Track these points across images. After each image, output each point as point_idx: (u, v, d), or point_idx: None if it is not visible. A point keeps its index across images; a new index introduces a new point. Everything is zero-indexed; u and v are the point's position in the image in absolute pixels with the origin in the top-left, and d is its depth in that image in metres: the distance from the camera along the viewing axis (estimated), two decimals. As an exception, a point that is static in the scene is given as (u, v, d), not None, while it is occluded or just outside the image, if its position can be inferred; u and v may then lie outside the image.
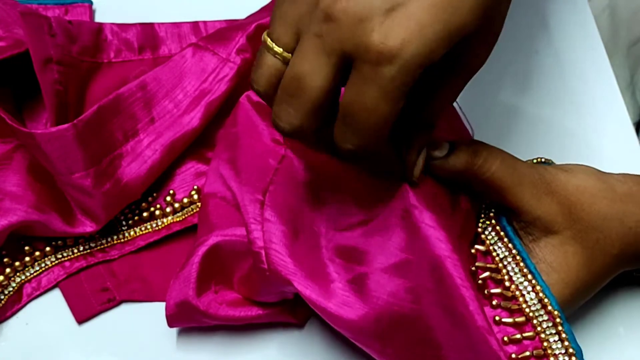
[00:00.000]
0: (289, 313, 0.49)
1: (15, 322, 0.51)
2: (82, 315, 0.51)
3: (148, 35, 0.59)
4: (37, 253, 0.52)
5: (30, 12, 0.54)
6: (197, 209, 0.54)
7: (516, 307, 0.43)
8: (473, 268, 0.44)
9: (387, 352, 0.44)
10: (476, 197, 0.46)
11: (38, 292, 0.52)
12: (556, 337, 0.42)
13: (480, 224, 0.46)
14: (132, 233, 0.54)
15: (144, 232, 0.54)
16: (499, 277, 0.44)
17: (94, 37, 0.57)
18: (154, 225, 0.54)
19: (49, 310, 0.51)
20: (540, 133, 0.57)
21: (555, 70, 0.60)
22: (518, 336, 0.43)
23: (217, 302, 0.48)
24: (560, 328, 0.42)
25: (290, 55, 0.37)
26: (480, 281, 0.44)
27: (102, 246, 0.53)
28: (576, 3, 0.63)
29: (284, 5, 0.37)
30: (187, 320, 0.49)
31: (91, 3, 0.62)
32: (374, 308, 0.43)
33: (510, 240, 0.45)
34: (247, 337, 0.50)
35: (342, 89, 0.37)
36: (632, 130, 0.57)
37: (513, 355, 0.42)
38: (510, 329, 0.43)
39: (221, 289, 0.49)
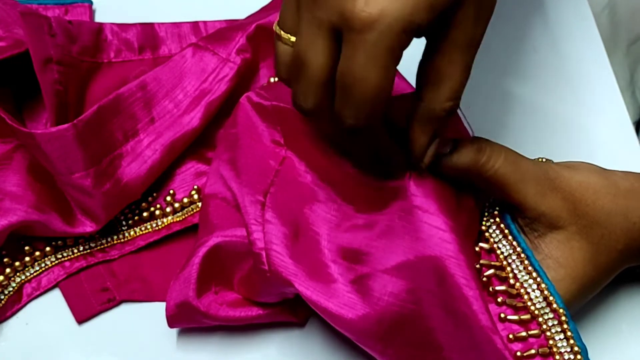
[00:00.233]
0: (290, 313, 0.49)
1: (15, 322, 0.51)
2: (82, 315, 0.51)
3: (148, 35, 0.59)
4: (37, 253, 0.52)
5: (30, 12, 0.54)
6: (197, 209, 0.54)
7: (521, 304, 0.43)
8: (477, 266, 0.44)
9: (388, 353, 0.44)
10: (479, 196, 0.46)
11: (38, 292, 0.52)
12: (562, 336, 0.42)
13: (484, 222, 0.46)
14: (132, 233, 0.54)
15: (144, 232, 0.54)
16: (504, 274, 0.44)
17: (94, 37, 0.57)
18: (154, 225, 0.54)
19: (49, 310, 0.51)
20: (540, 132, 0.57)
21: (555, 69, 0.60)
22: (523, 334, 0.43)
23: (217, 302, 0.48)
24: (565, 326, 0.42)
25: None
26: (484, 279, 0.44)
27: (102, 246, 0.53)
28: (576, 2, 0.63)
29: None
30: (187, 321, 0.49)
31: (91, 3, 0.62)
32: (376, 309, 0.43)
33: (514, 238, 0.45)
34: (247, 337, 0.50)
35: None
36: (632, 130, 0.57)
37: (518, 353, 0.42)
38: (515, 327, 0.43)
39: (221, 289, 0.49)
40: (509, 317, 0.43)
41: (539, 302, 0.43)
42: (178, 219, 0.54)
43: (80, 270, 0.52)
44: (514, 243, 0.44)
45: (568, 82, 0.59)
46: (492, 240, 0.45)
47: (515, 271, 0.44)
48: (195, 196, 0.54)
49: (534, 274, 0.43)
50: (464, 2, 0.37)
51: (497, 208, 0.46)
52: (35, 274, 0.52)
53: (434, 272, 0.42)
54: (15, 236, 0.51)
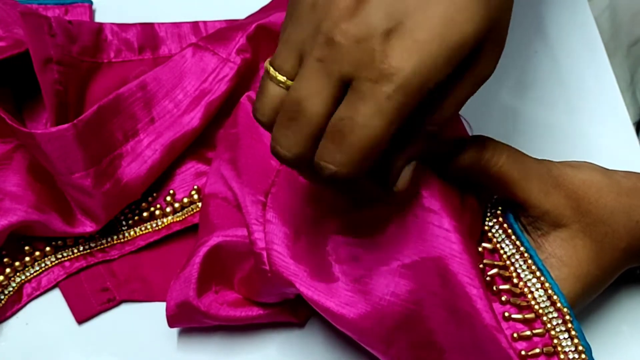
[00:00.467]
0: (290, 312, 0.49)
1: (15, 322, 0.51)
2: (82, 315, 0.51)
3: (148, 35, 0.59)
4: (37, 253, 0.52)
5: (30, 12, 0.54)
6: (197, 209, 0.54)
7: (525, 303, 0.43)
8: (481, 265, 0.44)
9: (391, 353, 0.44)
10: (482, 196, 0.46)
11: (38, 292, 0.52)
12: (566, 335, 0.42)
13: (486, 222, 0.46)
14: (132, 233, 0.53)
15: (144, 232, 0.54)
16: (507, 274, 0.44)
17: (94, 37, 0.57)
18: (154, 225, 0.54)
19: (49, 310, 0.51)
20: (540, 133, 0.57)
21: (555, 70, 0.60)
22: (528, 333, 0.42)
23: (217, 302, 0.48)
24: (569, 325, 0.42)
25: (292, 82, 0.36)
26: (488, 278, 0.44)
27: (102, 246, 0.53)
28: (576, 4, 0.63)
29: (287, 30, 0.37)
30: (187, 321, 0.49)
31: (91, 3, 0.62)
32: (377, 308, 0.43)
33: (517, 238, 0.44)
34: (247, 337, 0.50)
35: None
36: (632, 130, 0.57)
37: (523, 352, 0.42)
38: (519, 326, 0.43)
39: (222, 289, 0.49)
40: (513, 316, 0.43)
41: (543, 301, 0.43)
42: (178, 219, 0.54)
43: (80, 270, 0.52)
44: (517, 242, 0.44)
45: (569, 84, 0.59)
46: (495, 240, 0.45)
47: (519, 270, 0.44)
48: (195, 196, 0.54)
49: (538, 273, 0.43)
50: (480, 51, 0.36)
51: (500, 208, 0.46)
52: (35, 274, 0.52)
53: (437, 273, 0.42)
54: (15, 236, 0.51)
